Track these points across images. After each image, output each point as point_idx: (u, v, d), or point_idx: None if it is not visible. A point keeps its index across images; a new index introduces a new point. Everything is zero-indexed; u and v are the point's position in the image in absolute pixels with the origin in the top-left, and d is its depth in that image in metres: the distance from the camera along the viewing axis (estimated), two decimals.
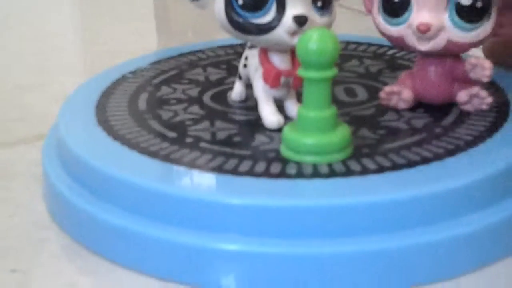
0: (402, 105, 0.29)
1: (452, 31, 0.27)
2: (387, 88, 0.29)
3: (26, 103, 0.39)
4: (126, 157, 0.26)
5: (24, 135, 0.35)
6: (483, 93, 0.28)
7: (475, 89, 0.28)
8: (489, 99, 0.28)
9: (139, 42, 0.50)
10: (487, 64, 0.27)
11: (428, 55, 0.28)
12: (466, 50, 0.28)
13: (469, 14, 0.27)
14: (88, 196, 0.25)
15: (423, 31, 0.26)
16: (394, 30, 0.28)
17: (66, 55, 0.50)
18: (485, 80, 0.27)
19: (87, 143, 0.27)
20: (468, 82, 0.28)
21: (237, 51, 0.36)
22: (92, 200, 0.25)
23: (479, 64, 0.27)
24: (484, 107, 0.28)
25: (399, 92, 0.28)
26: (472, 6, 0.26)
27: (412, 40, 0.27)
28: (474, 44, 0.27)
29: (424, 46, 0.27)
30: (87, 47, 0.52)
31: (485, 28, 0.27)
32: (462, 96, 0.28)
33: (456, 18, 0.27)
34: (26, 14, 0.59)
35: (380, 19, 0.28)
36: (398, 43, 0.28)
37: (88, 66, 0.48)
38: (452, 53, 0.28)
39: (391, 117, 0.28)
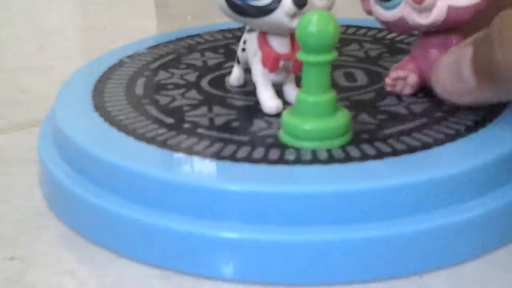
0: (408, 90, 0.28)
1: None
2: (392, 74, 0.28)
3: (24, 87, 0.39)
4: (122, 144, 0.25)
5: (22, 120, 0.35)
6: None
7: None
8: None
9: (138, 26, 0.50)
10: None
11: (430, 35, 0.27)
12: (471, 17, 0.26)
13: None
14: (84, 183, 0.25)
15: (419, 0, 0.26)
16: (391, 14, 0.27)
17: (65, 38, 0.49)
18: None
19: (83, 129, 0.27)
20: None
21: (236, 35, 0.36)
22: (88, 187, 0.25)
23: None
24: None
25: (405, 77, 0.28)
26: None
27: (413, 17, 0.26)
28: (478, 8, 0.26)
29: (426, 20, 0.26)
30: (86, 31, 0.52)
31: None
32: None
33: None
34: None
35: (378, 8, 0.27)
36: (401, 26, 0.27)
37: (87, 50, 0.47)
38: (457, 24, 0.27)
39: (391, 102, 0.28)
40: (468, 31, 0.26)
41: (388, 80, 0.28)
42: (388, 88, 0.28)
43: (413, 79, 0.28)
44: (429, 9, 0.26)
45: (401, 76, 0.28)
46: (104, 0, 0.58)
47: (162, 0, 0.56)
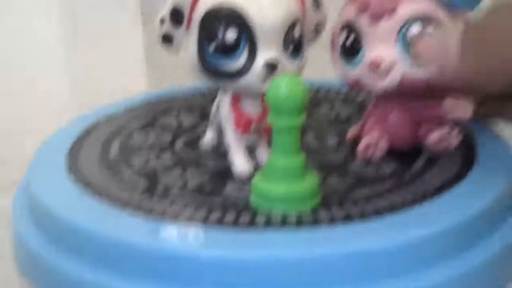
0: (377, 155, 0.29)
1: (405, 65, 0.27)
2: (364, 141, 0.29)
3: (7, 148, 0.39)
4: (95, 208, 0.26)
5: (1, 181, 0.35)
6: (454, 131, 0.28)
7: (446, 129, 0.28)
8: (459, 138, 0.28)
9: (128, 83, 0.50)
10: (467, 103, 0.27)
11: (391, 100, 0.28)
12: (423, 88, 0.28)
13: None
14: (57, 249, 0.25)
15: (375, 65, 0.27)
16: (352, 73, 0.28)
17: (53, 97, 0.50)
18: (466, 118, 0.28)
19: (57, 193, 0.27)
20: (433, 123, 0.28)
21: (211, 96, 0.37)
22: (59, 252, 0.25)
23: (459, 103, 0.28)
24: (453, 145, 0.28)
25: (377, 143, 0.29)
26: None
27: (369, 80, 0.28)
28: (431, 82, 0.27)
29: (381, 83, 0.27)
30: (74, 88, 0.53)
31: None
32: (433, 137, 0.28)
33: (407, 52, 0.27)
34: (13, 54, 0.59)
35: (340, 64, 0.29)
36: (360, 86, 0.29)
37: (74, 109, 0.48)
38: (410, 91, 0.28)
39: (360, 164, 0.28)
40: (430, 97, 0.27)
41: (360, 148, 0.29)
42: (361, 156, 0.29)
43: (383, 143, 0.29)
44: (384, 74, 0.27)
45: (373, 143, 0.29)
46: (94, 57, 0.59)
47: (153, 57, 0.56)
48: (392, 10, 0.27)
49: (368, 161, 0.28)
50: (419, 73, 0.27)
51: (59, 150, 0.31)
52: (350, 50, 0.28)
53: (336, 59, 0.29)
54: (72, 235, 0.25)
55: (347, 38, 0.28)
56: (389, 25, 0.27)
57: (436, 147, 0.29)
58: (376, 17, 0.27)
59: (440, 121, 0.28)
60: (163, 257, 0.23)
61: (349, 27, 0.28)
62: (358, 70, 0.28)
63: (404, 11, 0.27)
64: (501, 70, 0.25)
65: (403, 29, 0.27)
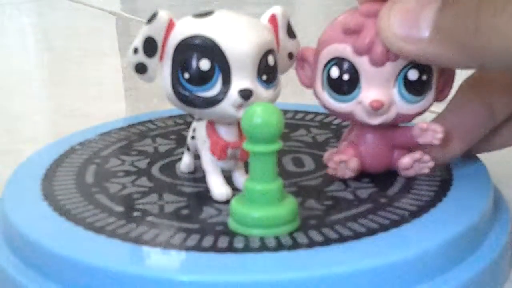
0: (348, 174, 0.29)
1: (401, 104, 0.27)
2: (336, 158, 0.29)
3: None
4: (70, 234, 0.25)
5: None
6: (426, 157, 0.28)
7: (418, 154, 0.28)
8: (431, 163, 0.28)
9: (107, 108, 0.50)
10: (439, 127, 0.28)
11: (366, 124, 0.28)
12: (411, 120, 0.28)
13: (416, 87, 0.27)
14: (31, 274, 0.25)
15: (377, 108, 0.27)
16: (341, 106, 0.28)
17: (32, 121, 0.49)
18: (437, 143, 0.28)
19: (31, 218, 0.27)
20: (407, 148, 0.29)
21: (187, 121, 0.37)
22: (35, 278, 0.25)
23: (431, 128, 0.28)
24: (426, 171, 0.29)
25: (347, 162, 0.29)
26: (418, 80, 0.27)
27: (362, 116, 0.28)
28: (418, 114, 0.28)
29: (375, 121, 0.28)
30: (52, 114, 0.52)
31: (428, 98, 0.28)
32: (405, 161, 0.29)
33: (404, 93, 0.27)
34: None
35: (326, 95, 0.28)
36: (345, 118, 0.29)
37: (55, 133, 0.47)
38: (398, 123, 0.28)
39: (337, 187, 0.29)
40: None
41: (331, 164, 0.29)
42: (331, 172, 0.29)
43: (354, 163, 0.29)
44: (380, 114, 0.27)
45: (344, 160, 0.29)
46: (72, 82, 0.58)
47: (131, 82, 0.56)
48: (396, 57, 0.26)
49: (343, 181, 0.29)
50: (413, 109, 0.28)
51: (34, 175, 0.30)
52: (343, 88, 0.27)
53: (316, 88, 0.29)
54: (48, 260, 0.24)
55: (340, 75, 0.27)
56: (392, 69, 0.27)
57: (408, 173, 0.29)
58: (378, 63, 0.27)
59: (412, 147, 0.29)
60: (140, 282, 0.23)
61: (342, 63, 0.27)
62: (349, 106, 0.28)
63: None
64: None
65: (403, 71, 0.27)
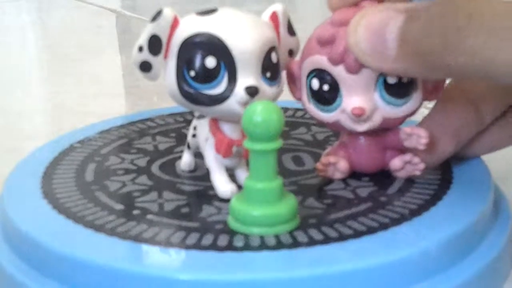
0: (338, 176, 0.29)
1: (385, 108, 0.27)
2: (323, 159, 0.29)
3: None
4: (70, 232, 0.25)
5: None
6: (416, 159, 0.28)
7: (409, 156, 0.28)
8: (422, 165, 0.28)
9: (106, 106, 0.50)
10: (423, 132, 0.27)
11: None
12: (402, 122, 0.28)
13: (397, 90, 0.27)
14: (31, 272, 0.25)
15: (358, 115, 0.27)
16: (327, 116, 0.28)
17: (32, 119, 0.49)
18: (421, 148, 0.28)
19: (31, 216, 0.27)
20: (399, 149, 0.29)
21: (187, 119, 0.37)
22: (34, 276, 0.25)
23: (415, 133, 0.28)
24: (417, 173, 0.28)
25: (335, 163, 0.29)
26: (399, 83, 0.27)
27: (348, 123, 0.27)
28: (409, 116, 0.28)
29: (361, 127, 0.27)
30: (51, 111, 0.52)
31: (415, 99, 0.28)
32: (396, 163, 0.28)
33: (386, 96, 0.27)
34: None
35: (312, 106, 0.28)
36: (334, 127, 0.29)
37: (54, 131, 0.47)
38: (388, 127, 0.28)
39: (337, 186, 0.28)
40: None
41: (319, 166, 0.29)
42: (320, 174, 0.29)
43: (343, 165, 0.29)
44: (365, 120, 0.27)
45: (332, 162, 0.29)
46: (72, 80, 0.58)
47: (131, 79, 0.56)
48: None
49: (343, 180, 0.29)
50: (399, 112, 0.27)
51: (33, 173, 0.30)
52: (325, 98, 0.27)
53: (303, 100, 0.29)
54: (47, 258, 0.24)
55: (320, 86, 0.27)
56: (369, 75, 0.27)
57: (399, 174, 0.29)
58: (354, 71, 0.27)
59: (403, 148, 0.28)
60: (140, 280, 0.23)
61: (321, 74, 0.27)
62: (334, 115, 0.28)
63: None
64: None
65: (382, 75, 0.27)
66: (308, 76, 0.28)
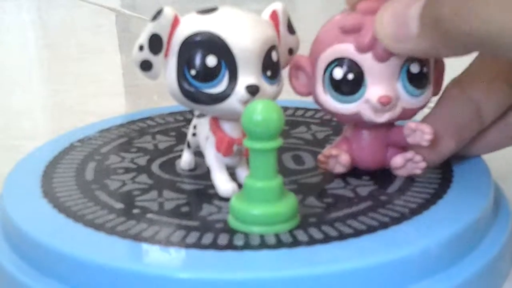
0: (339, 169, 0.29)
1: (405, 99, 0.27)
2: (325, 151, 0.29)
3: None
4: (70, 231, 0.25)
5: None
6: (418, 157, 0.28)
7: (410, 154, 0.28)
8: (423, 164, 0.28)
9: (106, 105, 0.50)
10: (428, 128, 0.27)
11: (360, 123, 0.28)
12: (414, 115, 0.28)
13: (418, 80, 0.27)
14: (30, 271, 0.25)
15: (386, 104, 0.27)
16: (346, 107, 0.28)
17: (32, 118, 0.49)
18: (425, 144, 0.28)
19: (31, 215, 0.27)
20: (401, 147, 0.29)
21: (187, 117, 0.37)
22: (33, 275, 0.24)
23: (419, 128, 0.28)
24: (418, 171, 0.28)
25: (337, 156, 0.29)
26: (420, 73, 0.27)
27: (368, 114, 0.27)
28: (420, 109, 0.28)
29: (381, 118, 0.27)
30: (51, 110, 0.52)
31: (428, 92, 0.28)
32: (397, 160, 0.28)
33: (408, 86, 0.27)
34: None
35: (329, 98, 0.28)
36: (352, 120, 0.28)
37: (54, 129, 0.47)
38: (406, 118, 0.28)
39: (337, 185, 0.28)
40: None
41: (320, 157, 0.29)
42: (320, 165, 0.29)
43: (344, 158, 0.28)
44: (387, 110, 0.27)
45: (333, 154, 0.29)
46: (71, 79, 0.58)
47: (131, 78, 0.56)
48: None
49: (343, 179, 0.29)
50: (417, 103, 0.28)
51: (33, 172, 0.30)
52: (348, 87, 0.27)
53: (317, 93, 0.28)
54: (47, 257, 0.24)
55: (344, 75, 0.27)
56: (395, 63, 0.27)
57: (400, 172, 0.29)
58: (383, 59, 0.27)
59: (405, 146, 0.28)
60: (140, 279, 0.23)
61: (346, 63, 0.27)
62: (355, 106, 0.27)
63: None
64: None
65: (406, 64, 0.27)
66: (328, 66, 0.28)
